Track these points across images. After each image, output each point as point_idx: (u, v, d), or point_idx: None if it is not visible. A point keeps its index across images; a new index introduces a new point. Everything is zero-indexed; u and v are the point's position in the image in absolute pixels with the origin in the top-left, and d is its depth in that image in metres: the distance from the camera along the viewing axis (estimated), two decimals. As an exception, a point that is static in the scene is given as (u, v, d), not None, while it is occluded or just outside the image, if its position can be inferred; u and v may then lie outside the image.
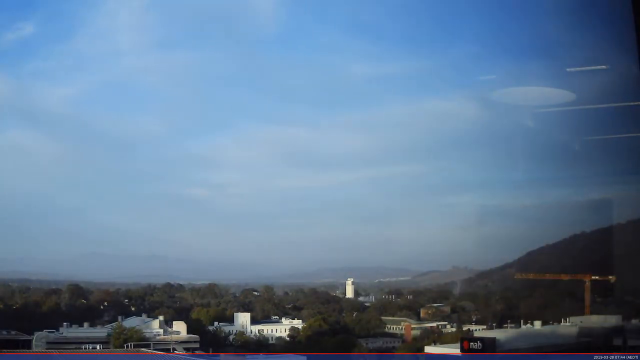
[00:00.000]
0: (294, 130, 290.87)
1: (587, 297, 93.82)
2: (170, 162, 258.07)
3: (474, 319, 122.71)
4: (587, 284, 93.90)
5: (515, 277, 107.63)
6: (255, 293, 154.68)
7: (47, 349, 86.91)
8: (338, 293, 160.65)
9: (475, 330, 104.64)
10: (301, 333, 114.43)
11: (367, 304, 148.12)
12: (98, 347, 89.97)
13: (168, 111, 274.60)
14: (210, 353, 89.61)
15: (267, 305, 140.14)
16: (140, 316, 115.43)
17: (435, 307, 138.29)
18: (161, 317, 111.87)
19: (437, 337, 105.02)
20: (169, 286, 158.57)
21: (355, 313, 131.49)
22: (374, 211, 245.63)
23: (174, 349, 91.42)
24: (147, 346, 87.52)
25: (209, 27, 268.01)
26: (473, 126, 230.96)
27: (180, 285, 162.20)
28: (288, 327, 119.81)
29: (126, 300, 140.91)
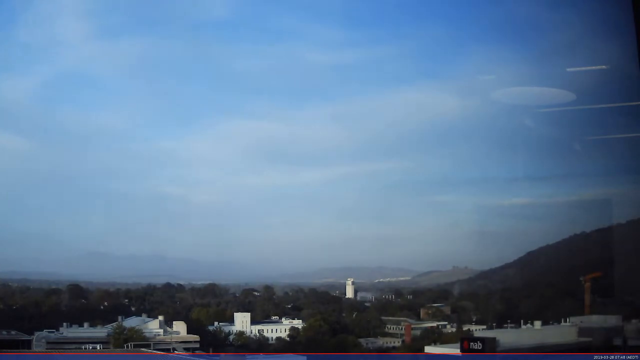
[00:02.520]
0: (260, 124, 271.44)
1: (587, 297, 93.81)
2: (139, 159, 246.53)
3: (474, 319, 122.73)
4: (587, 284, 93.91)
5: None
6: (255, 293, 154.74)
7: (47, 349, 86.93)
8: (338, 293, 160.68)
9: (475, 330, 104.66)
10: (301, 333, 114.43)
11: (367, 304, 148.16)
12: (98, 347, 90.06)
13: (126, 104, 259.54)
14: (210, 353, 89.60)
15: (267, 305, 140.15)
16: (140, 316, 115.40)
17: (435, 307, 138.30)
18: (161, 317, 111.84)
19: (437, 337, 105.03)
20: (169, 286, 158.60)
21: (355, 313, 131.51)
22: (364, 210, 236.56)
23: (174, 349, 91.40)
24: (147, 346, 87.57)
25: (154, 11, 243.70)
26: (453, 119, 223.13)
27: (180, 285, 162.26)
28: (288, 327, 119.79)
29: (126, 300, 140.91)
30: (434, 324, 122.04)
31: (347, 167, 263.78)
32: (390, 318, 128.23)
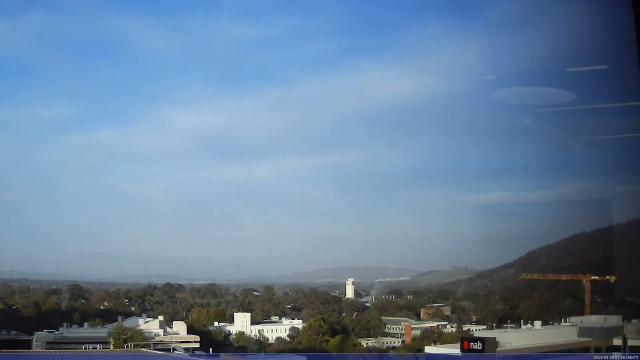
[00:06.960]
0: (199, 114, 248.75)
1: (587, 297, 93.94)
2: (84, 153, 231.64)
3: (474, 319, 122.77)
4: (587, 284, 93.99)
5: (519, 277, 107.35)
6: (256, 293, 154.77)
7: (47, 349, 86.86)
8: (338, 293, 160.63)
9: (475, 330, 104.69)
10: (301, 333, 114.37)
11: (367, 304, 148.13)
12: (98, 347, 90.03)
13: (49, 89, 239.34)
14: (210, 353, 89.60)
15: (267, 305, 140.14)
16: (140, 316, 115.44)
17: (435, 307, 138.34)
18: (161, 317, 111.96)
19: (437, 337, 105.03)
20: (169, 286, 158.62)
21: (355, 313, 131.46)
22: (337, 206, 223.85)
23: (174, 349, 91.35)
24: (147, 346, 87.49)
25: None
26: (408, 102, 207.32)
27: (180, 285, 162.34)
28: (288, 327, 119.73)
29: (126, 300, 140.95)
30: (434, 324, 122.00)
31: (299, 159, 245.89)
32: (390, 318, 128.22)
